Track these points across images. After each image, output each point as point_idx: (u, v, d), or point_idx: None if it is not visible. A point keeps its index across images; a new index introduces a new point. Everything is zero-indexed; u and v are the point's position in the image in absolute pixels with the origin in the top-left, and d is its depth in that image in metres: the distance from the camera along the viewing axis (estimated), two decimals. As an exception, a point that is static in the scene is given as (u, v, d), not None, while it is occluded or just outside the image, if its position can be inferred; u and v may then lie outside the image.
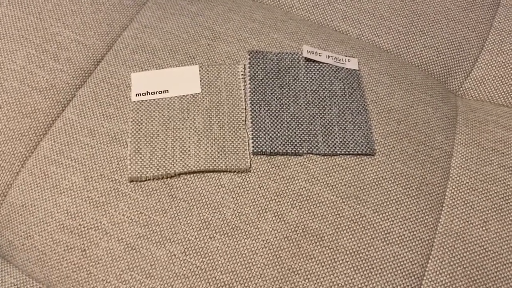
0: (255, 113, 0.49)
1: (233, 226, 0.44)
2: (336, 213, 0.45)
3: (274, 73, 0.51)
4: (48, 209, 0.45)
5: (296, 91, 0.50)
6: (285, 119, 0.49)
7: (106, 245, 0.43)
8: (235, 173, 0.46)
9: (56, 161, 0.47)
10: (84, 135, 0.48)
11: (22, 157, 0.48)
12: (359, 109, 0.50)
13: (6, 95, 0.50)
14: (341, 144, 0.48)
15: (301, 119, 0.49)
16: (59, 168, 0.47)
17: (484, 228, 0.45)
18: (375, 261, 0.43)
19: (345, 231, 0.44)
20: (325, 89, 0.51)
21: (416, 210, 0.46)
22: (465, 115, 0.53)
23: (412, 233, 0.45)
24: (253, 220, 0.44)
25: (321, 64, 0.52)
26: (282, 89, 0.51)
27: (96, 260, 0.43)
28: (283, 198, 0.45)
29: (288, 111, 0.49)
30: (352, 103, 0.50)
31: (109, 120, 0.49)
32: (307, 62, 0.52)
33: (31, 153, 0.49)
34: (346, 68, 0.52)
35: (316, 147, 0.47)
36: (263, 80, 0.51)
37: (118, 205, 0.45)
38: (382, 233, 0.44)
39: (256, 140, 0.48)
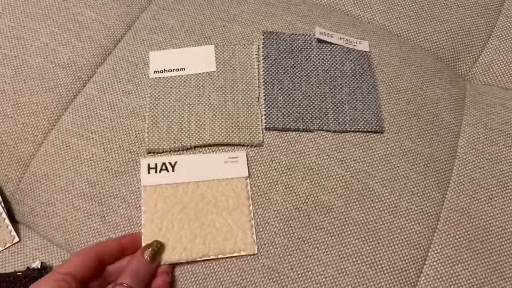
0: (268, 90, 0.51)
1: (246, 196, 0.46)
2: (345, 186, 0.46)
3: (287, 53, 0.53)
4: (70, 178, 0.47)
5: (308, 70, 0.52)
6: (297, 97, 0.50)
7: (124, 212, 0.45)
8: (248, 147, 0.48)
9: (77, 133, 0.50)
10: (104, 109, 0.50)
11: (45, 130, 0.51)
12: (369, 88, 0.51)
13: (30, 70, 0.52)
14: (351, 121, 0.49)
15: (313, 97, 0.50)
16: (80, 140, 0.49)
17: (489, 204, 0.47)
18: (382, 233, 0.45)
19: (354, 204, 0.46)
20: (336, 69, 0.52)
21: (423, 186, 0.47)
22: (473, 98, 0.55)
23: (419, 207, 0.46)
24: (265, 192, 0.46)
25: (332, 45, 0.54)
26: (295, 68, 0.52)
27: (115, 226, 0.45)
28: (294, 172, 0.47)
29: (300, 89, 0.51)
30: (363, 83, 0.52)
31: (128, 96, 0.51)
32: (319, 43, 0.54)
33: (53, 125, 0.51)
34: (357, 50, 0.54)
35: (327, 124, 0.49)
36: (276, 60, 0.53)
37: (136, 175, 0.47)
38: (390, 206, 0.46)
39: (269, 116, 0.49)
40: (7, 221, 0.46)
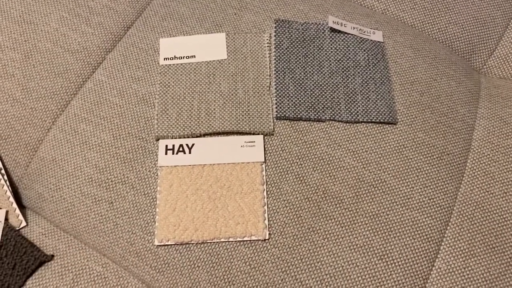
0: (279, 79, 0.50)
1: (255, 186, 0.45)
2: (356, 177, 0.46)
3: (299, 42, 0.52)
4: (78, 163, 0.47)
5: (320, 60, 0.51)
6: (309, 86, 0.50)
7: (132, 198, 0.45)
8: (259, 135, 0.47)
9: (86, 119, 0.49)
10: (113, 96, 0.50)
11: (53, 115, 0.50)
12: (382, 79, 0.50)
13: (39, 55, 0.52)
14: (364, 112, 0.48)
15: (325, 87, 0.50)
16: (88, 125, 0.49)
17: (504, 199, 0.46)
18: (394, 225, 0.44)
19: (365, 195, 0.45)
20: (349, 59, 0.51)
21: (437, 178, 0.46)
22: (488, 91, 0.53)
23: (431, 200, 0.45)
24: (275, 181, 0.45)
25: (346, 35, 0.53)
26: (307, 58, 0.51)
27: (123, 212, 0.45)
28: (304, 161, 0.46)
29: (312, 79, 0.50)
30: (376, 74, 0.51)
31: (138, 82, 0.50)
32: (332, 33, 0.53)
33: (62, 111, 0.50)
34: (371, 40, 0.53)
35: (339, 114, 0.48)
36: (288, 49, 0.52)
37: (144, 161, 0.46)
38: (402, 198, 0.45)
39: (280, 105, 0.48)
40: (14, 205, 0.46)
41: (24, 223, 0.46)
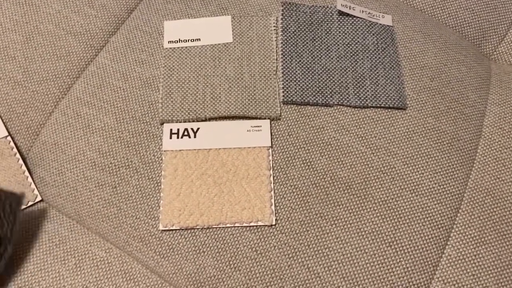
0: (286, 63, 0.49)
1: (262, 171, 0.44)
2: (365, 163, 0.45)
3: (306, 25, 0.51)
4: (80, 147, 0.46)
5: (328, 44, 0.50)
6: (316, 70, 0.49)
7: (136, 182, 0.44)
8: (266, 120, 0.46)
9: (88, 102, 0.48)
10: (116, 79, 0.49)
11: (56, 98, 0.49)
12: (392, 64, 0.49)
13: (41, 37, 0.51)
14: (373, 97, 0.47)
15: (333, 72, 0.49)
16: (91, 109, 0.48)
17: (515, 186, 0.45)
18: (403, 211, 0.43)
19: (373, 181, 0.44)
20: (358, 43, 0.50)
21: (447, 165, 0.45)
22: (499, 77, 0.52)
23: (442, 187, 0.44)
24: (282, 166, 0.44)
25: (354, 18, 0.51)
26: (314, 41, 0.50)
27: (126, 197, 0.44)
28: (312, 147, 0.45)
29: (320, 63, 0.49)
30: (385, 58, 0.50)
31: (141, 66, 0.49)
32: (340, 16, 0.52)
33: (64, 94, 0.49)
34: (380, 24, 0.51)
35: (347, 99, 0.47)
36: (295, 32, 0.51)
37: (148, 145, 0.45)
38: (412, 184, 0.44)
39: (287, 90, 0.47)
40: (30, 179, 0.45)
41: (39, 198, 0.45)
